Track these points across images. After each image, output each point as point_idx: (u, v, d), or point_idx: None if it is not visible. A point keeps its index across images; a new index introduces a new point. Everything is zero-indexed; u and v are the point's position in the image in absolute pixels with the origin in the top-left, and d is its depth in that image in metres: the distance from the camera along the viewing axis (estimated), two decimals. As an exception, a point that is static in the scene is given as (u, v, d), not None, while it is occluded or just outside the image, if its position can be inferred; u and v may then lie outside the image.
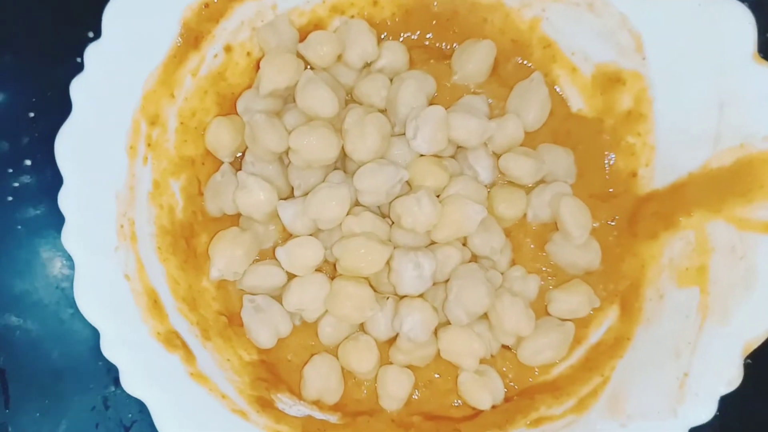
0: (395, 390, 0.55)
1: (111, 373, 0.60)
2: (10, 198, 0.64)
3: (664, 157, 0.58)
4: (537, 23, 0.61)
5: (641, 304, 0.56)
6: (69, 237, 0.50)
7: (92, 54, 0.53)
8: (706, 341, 0.51)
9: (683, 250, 0.55)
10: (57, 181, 0.50)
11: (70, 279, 0.61)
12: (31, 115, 0.66)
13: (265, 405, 0.54)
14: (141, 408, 0.59)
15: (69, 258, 0.51)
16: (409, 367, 0.56)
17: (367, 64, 0.61)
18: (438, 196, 0.56)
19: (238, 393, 0.53)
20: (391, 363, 0.56)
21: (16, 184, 0.65)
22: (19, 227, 0.64)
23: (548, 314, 0.58)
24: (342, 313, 0.54)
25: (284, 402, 0.55)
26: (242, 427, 0.51)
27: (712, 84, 0.55)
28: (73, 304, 0.60)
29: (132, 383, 0.48)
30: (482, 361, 0.56)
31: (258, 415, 0.53)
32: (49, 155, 0.51)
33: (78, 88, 0.52)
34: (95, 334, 0.58)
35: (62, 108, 0.51)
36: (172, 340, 0.52)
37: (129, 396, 0.58)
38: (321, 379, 0.55)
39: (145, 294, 0.52)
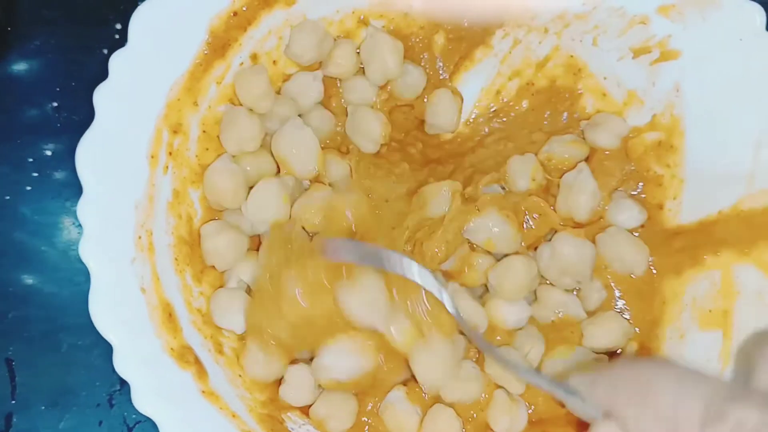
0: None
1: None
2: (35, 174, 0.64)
3: (693, 192, 0.57)
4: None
5: (660, 342, 0.55)
6: (87, 248, 0.49)
7: (117, 61, 0.52)
8: (726, 389, 0.50)
9: (708, 291, 0.54)
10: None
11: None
12: (55, 104, 0.65)
13: (275, 424, 0.53)
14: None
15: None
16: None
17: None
18: None
19: (248, 412, 0.53)
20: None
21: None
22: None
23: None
24: None
25: (294, 421, 0.55)
26: (251, 448, 0.51)
27: (749, 122, 0.53)
28: (84, 298, 0.60)
29: (143, 401, 0.48)
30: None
31: (267, 435, 0.52)
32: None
33: (102, 95, 0.51)
34: None
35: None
36: (185, 355, 0.52)
37: None
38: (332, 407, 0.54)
39: (159, 307, 0.52)
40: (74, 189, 0.62)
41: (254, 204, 0.55)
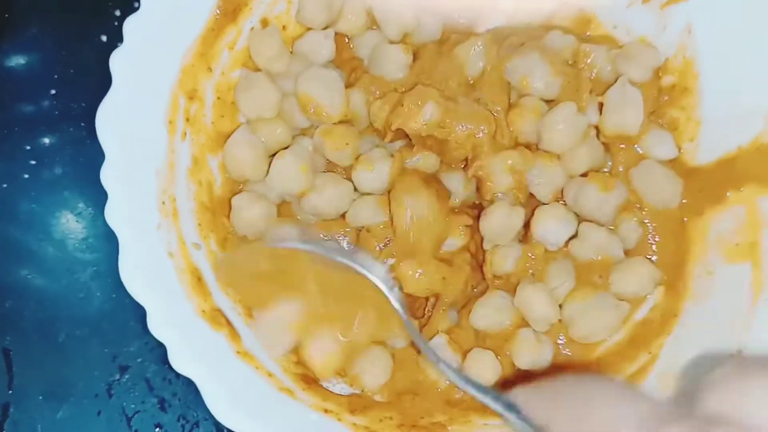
0: None
1: (117, 361, 0.59)
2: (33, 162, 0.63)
3: (710, 132, 0.57)
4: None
5: (687, 281, 0.55)
6: (113, 214, 0.49)
7: (131, 26, 0.52)
8: (761, 316, 0.50)
9: (733, 226, 0.54)
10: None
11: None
12: (53, 91, 0.64)
13: (310, 382, 0.53)
14: (144, 399, 0.59)
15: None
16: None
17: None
18: None
19: (282, 371, 0.52)
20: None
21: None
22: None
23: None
24: None
25: (328, 380, 0.54)
26: (290, 405, 0.50)
27: (764, 57, 0.54)
28: (81, 288, 0.60)
29: (180, 361, 0.48)
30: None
31: (304, 393, 0.52)
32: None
33: (118, 60, 0.51)
34: (103, 319, 0.59)
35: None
36: (217, 318, 0.51)
37: (133, 386, 0.59)
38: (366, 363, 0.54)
39: (188, 272, 0.51)
40: (71, 180, 0.62)
41: (276, 180, 0.55)
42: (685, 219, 0.57)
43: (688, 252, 0.56)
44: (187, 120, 0.55)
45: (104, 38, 0.65)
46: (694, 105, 0.58)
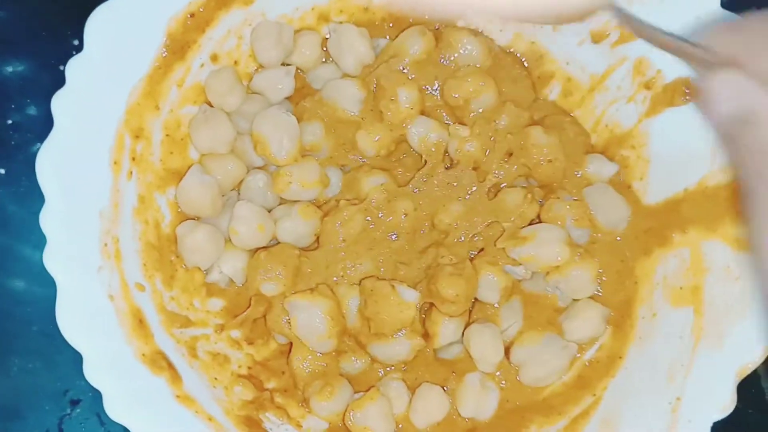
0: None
1: (68, 395, 0.59)
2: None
3: (659, 172, 0.57)
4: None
5: (634, 321, 0.56)
6: (52, 258, 0.49)
7: (74, 67, 0.52)
8: (700, 365, 0.50)
9: (678, 269, 0.54)
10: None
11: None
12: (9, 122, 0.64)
13: (253, 426, 0.53)
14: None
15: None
16: None
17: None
18: None
19: (224, 414, 0.52)
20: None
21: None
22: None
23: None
24: None
25: (272, 422, 0.54)
26: (229, 451, 0.50)
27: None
28: (35, 320, 0.60)
29: (116, 409, 0.48)
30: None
31: (245, 437, 0.52)
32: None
33: (60, 103, 0.51)
34: (56, 351, 0.58)
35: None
36: (158, 361, 0.51)
37: (85, 420, 0.59)
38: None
39: (129, 314, 0.51)
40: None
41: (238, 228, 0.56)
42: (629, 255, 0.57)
43: (635, 292, 0.56)
44: (133, 159, 0.55)
45: (61, 68, 0.64)
46: (644, 143, 0.58)
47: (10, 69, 0.64)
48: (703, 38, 0.38)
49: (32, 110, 0.64)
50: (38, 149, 0.58)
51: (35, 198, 0.59)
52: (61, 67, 0.62)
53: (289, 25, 0.59)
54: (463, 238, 0.56)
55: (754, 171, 0.35)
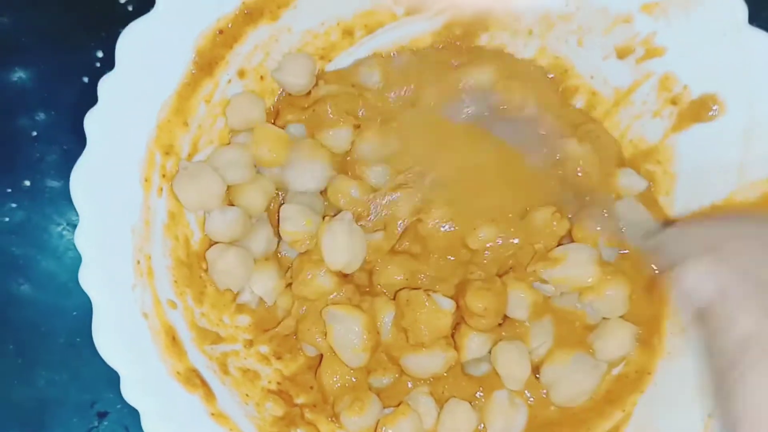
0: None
1: (95, 407, 0.59)
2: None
3: (685, 187, 0.57)
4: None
5: (662, 337, 0.56)
6: (88, 277, 0.49)
7: (106, 85, 0.52)
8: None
9: (705, 284, 0.55)
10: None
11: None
12: (33, 134, 0.64)
13: (287, 443, 0.53)
14: (124, 448, 0.59)
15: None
16: None
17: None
18: None
19: (257, 431, 0.53)
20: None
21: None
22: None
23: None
24: None
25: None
26: (264, 468, 0.51)
27: (735, 114, 0.54)
28: (62, 333, 0.60)
29: (154, 428, 0.48)
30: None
31: (278, 454, 0.52)
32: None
33: (92, 121, 0.51)
34: (82, 364, 0.59)
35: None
36: (192, 378, 0.51)
37: None
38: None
39: (163, 331, 0.52)
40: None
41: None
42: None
43: (662, 307, 0.56)
44: (163, 176, 0.55)
45: (86, 79, 0.64)
46: (670, 158, 0.58)
47: (32, 80, 0.64)
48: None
49: (54, 119, 0.64)
50: (56, 160, 0.62)
51: (60, 210, 0.61)
52: (85, 79, 0.64)
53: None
54: (490, 255, 0.57)
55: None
